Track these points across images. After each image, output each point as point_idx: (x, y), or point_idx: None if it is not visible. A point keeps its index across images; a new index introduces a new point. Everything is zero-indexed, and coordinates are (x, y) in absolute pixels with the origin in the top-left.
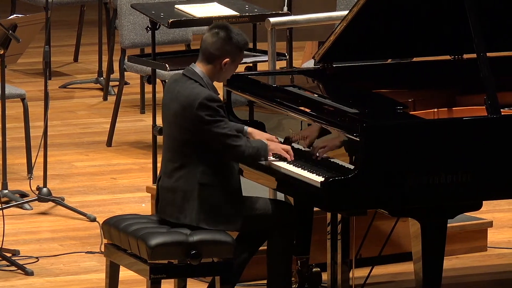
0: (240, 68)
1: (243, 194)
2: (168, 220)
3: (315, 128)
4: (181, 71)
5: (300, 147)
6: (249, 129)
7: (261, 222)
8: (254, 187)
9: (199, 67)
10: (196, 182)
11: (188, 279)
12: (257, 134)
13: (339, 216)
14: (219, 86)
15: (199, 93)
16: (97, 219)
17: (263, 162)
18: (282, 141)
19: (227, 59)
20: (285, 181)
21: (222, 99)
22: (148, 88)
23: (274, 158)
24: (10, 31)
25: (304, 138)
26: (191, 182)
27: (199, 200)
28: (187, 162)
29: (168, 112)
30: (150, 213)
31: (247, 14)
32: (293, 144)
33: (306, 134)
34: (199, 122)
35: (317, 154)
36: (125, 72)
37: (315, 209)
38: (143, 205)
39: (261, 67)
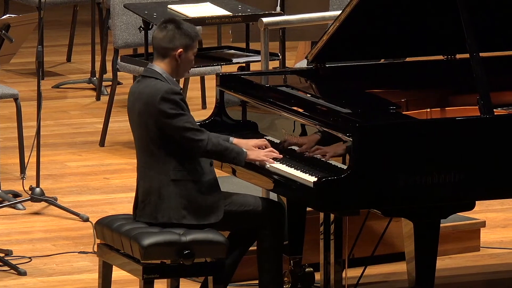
0: (233, 68)
1: (237, 193)
2: (147, 221)
3: (308, 130)
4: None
5: (293, 147)
6: (235, 140)
7: (251, 219)
8: (248, 187)
9: (156, 65)
10: (169, 180)
11: (180, 279)
12: (243, 143)
13: (332, 216)
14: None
15: (160, 88)
16: (90, 219)
17: (256, 162)
18: (278, 143)
19: (181, 50)
20: (277, 181)
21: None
22: None
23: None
24: (3, 31)
25: (298, 139)
26: (164, 180)
27: (175, 197)
28: (157, 161)
29: (133, 114)
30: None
31: (240, 14)
32: (285, 145)
33: (299, 135)
34: (161, 116)
35: (311, 154)
36: (118, 72)
37: (308, 209)
38: None
39: (254, 67)
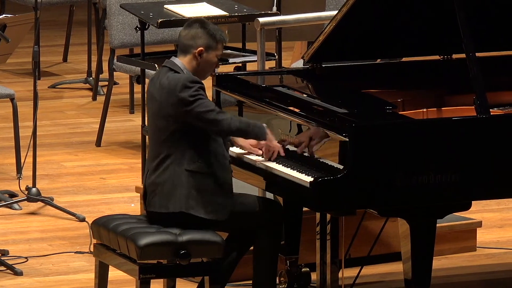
0: (229, 68)
1: (234, 193)
2: (157, 211)
3: (305, 130)
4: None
5: (290, 147)
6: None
7: (248, 219)
8: (244, 187)
9: (178, 59)
10: (183, 170)
11: (177, 279)
12: (240, 141)
13: (328, 216)
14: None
15: (180, 77)
16: (86, 219)
17: (251, 162)
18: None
19: (201, 48)
20: (274, 181)
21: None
22: (137, 88)
23: (262, 158)
24: None
25: (294, 139)
26: (178, 170)
27: (187, 187)
28: (173, 152)
29: (152, 105)
30: (139, 213)
31: (236, 14)
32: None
33: (295, 135)
34: (182, 105)
35: (308, 154)
36: (114, 72)
37: (304, 209)
38: (132, 205)
39: (250, 67)
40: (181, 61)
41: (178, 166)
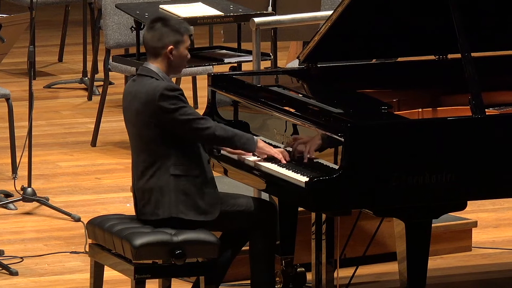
0: (225, 68)
1: (229, 193)
2: (148, 219)
3: (300, 130)
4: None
5: (286, 147)
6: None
7: (242, 219)
8: (239, 187)
9: (151, 64)
10: (169, 175)
11: (172, 279)
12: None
13: (323, 216)
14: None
15: (158, 85)
16: (81, 219)
17: (246, 162)
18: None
19: (171, 47)
20: (269, 181)
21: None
22: None
23: (258, 158)
24: None
25: (290, 139)
26: (164, 176)
27: (174, 192)
28: (157, 159)
29: (130, 113)
30: (134, 213)
31: (231, 14)
32: (275, 144)
33: (290, 135)
34: (163, 113)
35: (304, 155)
36: (109, 72)
37: (300, 209)
38: (128, 205)
39: (245, 67)
40: (155, 65)
41: (163, 172)
